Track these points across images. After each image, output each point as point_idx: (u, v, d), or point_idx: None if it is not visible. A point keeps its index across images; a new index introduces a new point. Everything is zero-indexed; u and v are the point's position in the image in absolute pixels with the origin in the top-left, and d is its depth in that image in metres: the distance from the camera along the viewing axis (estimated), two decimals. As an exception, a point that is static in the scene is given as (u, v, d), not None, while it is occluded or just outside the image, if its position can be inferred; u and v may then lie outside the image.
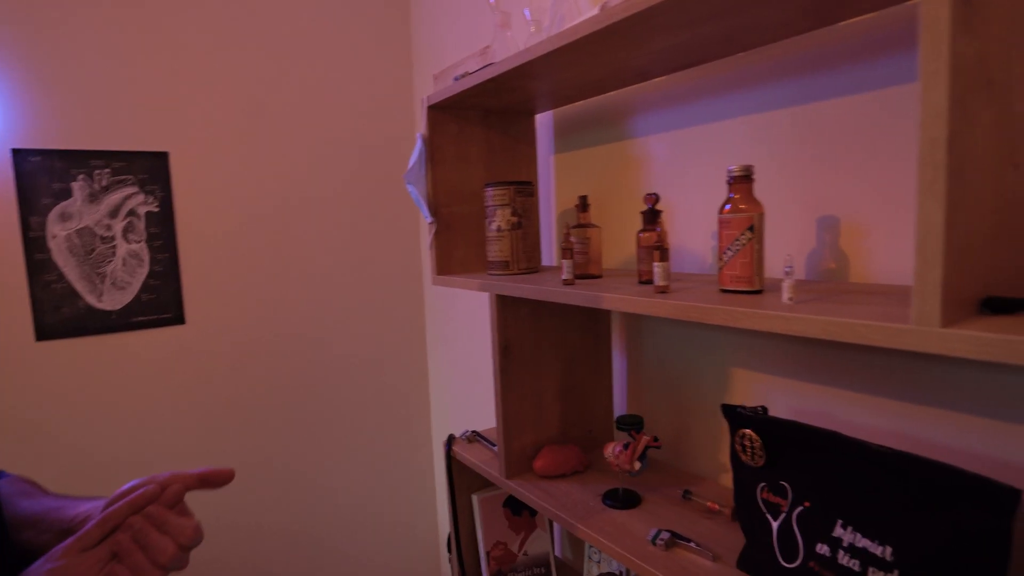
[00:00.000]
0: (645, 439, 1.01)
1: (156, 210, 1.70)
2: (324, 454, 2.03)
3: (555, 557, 1.45)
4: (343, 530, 2.08)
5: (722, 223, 0.79)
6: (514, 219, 1.18)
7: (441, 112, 1.28)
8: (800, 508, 0.78)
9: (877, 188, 0.85)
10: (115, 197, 1.64)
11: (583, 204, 1.13)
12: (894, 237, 0.84)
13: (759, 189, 1.00)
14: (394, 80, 2.07)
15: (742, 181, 0.79)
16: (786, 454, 0.80)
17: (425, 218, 1.29)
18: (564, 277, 1.01)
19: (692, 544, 0.90)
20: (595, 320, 1.29)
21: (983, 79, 0.52)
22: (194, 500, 0.65)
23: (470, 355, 1.95)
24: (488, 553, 1.38)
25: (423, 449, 2.24)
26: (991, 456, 0.76)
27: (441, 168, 1.28)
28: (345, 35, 1.96)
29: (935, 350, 0.51)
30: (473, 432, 1.43)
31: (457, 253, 1.33)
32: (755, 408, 0.85)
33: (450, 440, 1.40)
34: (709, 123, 1.08)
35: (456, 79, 1.18)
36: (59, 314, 1.59)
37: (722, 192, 1.07)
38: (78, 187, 1.60)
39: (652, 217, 0.96)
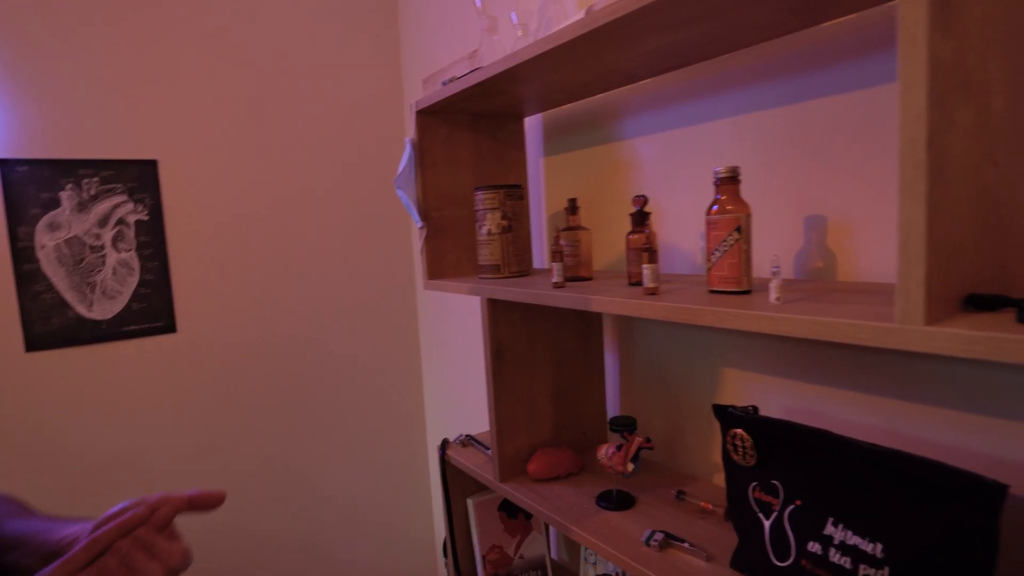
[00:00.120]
0: (638, 440, 1.02)
1: (146, 218, 1.69)
2: (319, 460, 2.02)
3: (551, 560, 1.45)
4: (339, 536, 2.07)
5: (709, 224, 0.80)
6: (504, 222, 1.18)
7: (430, 117, 1.28)
8: (792, 507, 0.78)
9: (863, 186, 0.86)
10: (104, 206, 1.64)
11: (572, 207, 1.14)
12: (880, 235, 0.84)
13: (747, 189, 1.01)
14: (383, 85, 2.07)
15: (729, 182, 0.79)
16: (777, 453, 0.80)
17: (416, 223, 1.29)
18: (554, 280, 1.01)
19: (686, 544, 0.90)
20: (587, 322, 1.29)
21: (961, 79, 0.52)
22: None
23: (464, 358, 1.95)
24: (484, 557, 1.38)
25: (418, 453, 2.23)
26: (979, 451, 0.77)
27: (431, 172, 1.29)
28: (334, 40, 1.96)
29: (919, 348, 0.52)
30: (467, 436, 1.42)
31: (449, 257, 1.33)
32: (746, 408, 0.85)
33: (444, 444, 1.40)
34: (697, 124, 1.08)
35: (444, 84, 1.18)
36: (49, 324, 1.58)
37: (711, 192, 1.08)
38: (67, 196, 1.59)
39: (641, 219, 0.96)
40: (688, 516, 1.00)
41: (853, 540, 0.71)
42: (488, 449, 1.35)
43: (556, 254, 1.02)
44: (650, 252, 0.84)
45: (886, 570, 0.67)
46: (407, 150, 1.26)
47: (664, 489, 1.11)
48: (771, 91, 0.96)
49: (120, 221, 1.66)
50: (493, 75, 1.01)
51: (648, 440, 1.02)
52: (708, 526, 0.96)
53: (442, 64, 1.87)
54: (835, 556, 0.72)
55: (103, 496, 1.68)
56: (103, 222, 1.64)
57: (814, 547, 0.75)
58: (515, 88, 1.11)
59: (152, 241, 1.70)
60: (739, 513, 0.85)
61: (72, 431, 1.63)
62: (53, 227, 1.58)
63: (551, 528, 1.53)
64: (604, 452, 1.04)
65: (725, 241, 0.78)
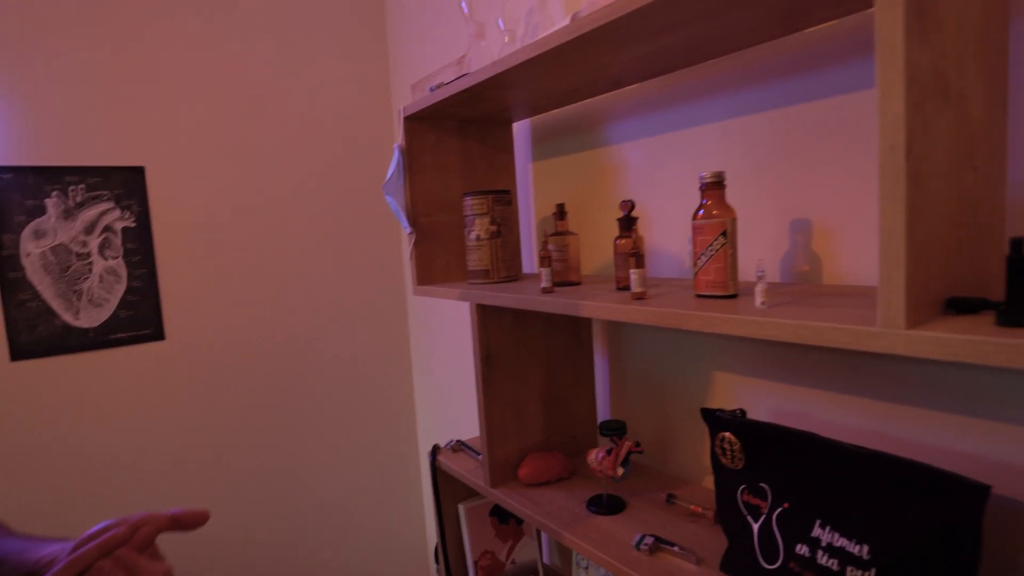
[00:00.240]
0: (627, 445, 1.02)
1: (133, 225, 1.68)
2: (310, 467, 2.01)
3: (543, 564, 1.45)
4: (330, 542, 2.06)
5: (695, 229, 0.80)
6: (493, 228, 1.18)
7: (418, 122, 1.28)
8: (780, 509, 0.79)
9: (847, 190, 0.86)
10: (90, 213, 1.63)
11: (560, 212, 1.14)
12: (864, 238, 0.85)
13: (733, 193, 1.01)
14: (372, 90, 2.07)
15: (714, 187, 0.80)
16: (765, 456, 0.81)
17: (404, 228, 1.29)
18: (543, 285, 1.01)
19: (676, 548, 0.90)
20: (576, 327, 1.29)
21: (939, 86, 0.53)
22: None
23: (454, 363, 1.95)
24: (476, 563, 1.37)
25: (409, 459, 2.23)
26: (963, 452, 0.77)
27: (420, 178, 1.29)
28: (322, 46, 1.96)
29: (901, 352, 0.52)
30: (458, 441, 1.42)
31: (438, 262, 1.33)
32: (734, 411, 0.86)
33: (435, 450, 1.40)
34: (683, 129, 1.09)
35: (432, 89, 1.19)
36: (35, 333, 1.57)
37: (697, 196, 1.08)
38: (52, 204, 1.58)
39: (628, 224, 0.97)
40: (678, 519, 1.00)
41: (840, 542, 0.71)
42: (479, 454, 1.34)
43: (544, 259, 1.02)
44: (637, 257, 0.85)
45: (872, 571, 0.67)
46: (395, 156, 1.26)
47: (654, 493, 1.11)
48: (756, 96, 0.96)
49: (107, 228, 1.65)
50: (480, 81, 1.02)
51: (637, 444, 1.02)
52: (698, 529, 0.97)
53: (430, 69, 1.87)
54: (822, 558, 0.73)
55: (91, 509, 1.66)
56: (89, 229, 1.63)
57: (802, 549, 0.75)
58: (503, 94, 1.11)
59: (139, 248, 1.69)
60: (728, 516, 0.86)
61: (59, 441, 1.61)
62: (39, 234, 1.57)
63: (542, 533, 1.53)
64: (594, 456, 1.05)
65: (711, 246, 0.79)
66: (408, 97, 2.02)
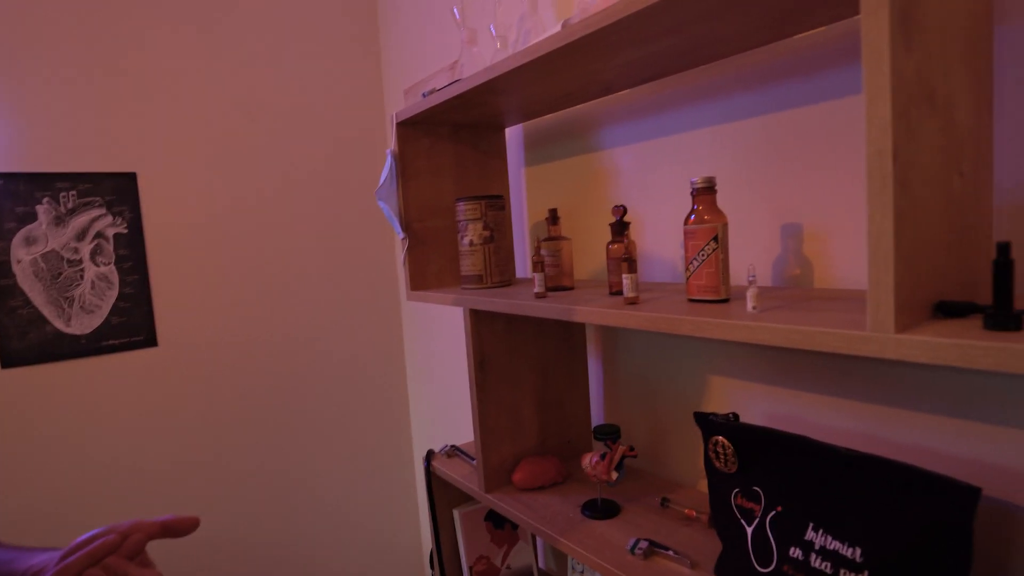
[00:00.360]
0: (621, 449, 1.02)
1: (125, 231, 1.67)
2: (304, 472, 2.00)
3: (539, 569, 1.45)
4: (325, 547, 2.05)
5: (687, 234, 0.81)
6: (486, 233, 1.18)
7: (411, 128, 1.28)
8: (773, 512, 0.79)
9: (838, 194, 0.87)
10: (82, 219, 1.62)
11: (553, 217, 1.14)
12: (855, 242, 0.86)
13: (724, 198, 1.02)
14: (364, 95, 2.07)
15: (705, 193, 0.80)
16: (758, 460, 0.81)
17: (397, 234, 1.29)
18: (536, 290, 1.01)
19: (670, 552, 0.90)
20: (570, 331, 1.29)
21: (925, 92, 0.53)
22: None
23: (448, 368, 1.94)
24: (471, 568, 1.37)
25: (404, 464, 2.22)
26: (953, 454, 0.78)
27: (413, 183, 1.29)
28: (314, 52, 1.96)
29: (890, 356, 0.53)
30: (452, 447, 1.42)
31: (431, 267, 1.33)
32: (727, 415, 0.86)
33: (429, 455, 1.40)
34: (674, 134, 1.10)
35: (425, 95, 1.19)
36: (26, 340, 1.56)
37: (690, 201, 1.09)
38: (43, 210, 1.57)
39: (620, 229, 0.97)
40: (672, 523, 1.01)
41: (833, 545, 0.72)
42: (473, 459, 1.34)
43: (537, 264, 1.02)
44: (630, 262, 0.85)
45: (865, 573, 0.68)
46: (388, 161, 1.26)
47: (649, 496, 1.11)
48: (746, 101, 0.97)
49: (98, 235, 1.64)
50: (473, 87, 1.02)
51: (632, 448, 1.02)
52: (692, 533, 0.97)
53: (422, 75, 1.88)
54: (816, 561, 0.73)
55: (84, 517, 1.65)
56: (81, 236, 1.62)
57: (795, 553, 0.75)
58: (495, 99, 1.12)
59: (131, 254, 1.68)
60: (722, 520, 0.86)
61: (50, 449, 1.60)
62: (29, 241, 1.56)
63: (537, 538, 1.52)
64: (588, 461, 1.05)
65: (703, 251, 0.79)
66: (401, 102, 2.02)
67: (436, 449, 2.04)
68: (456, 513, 1.38)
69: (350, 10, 2.03)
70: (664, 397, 1.18)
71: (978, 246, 0.63)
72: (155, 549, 1.75)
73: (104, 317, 1.65)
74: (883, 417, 0.85)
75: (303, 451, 2.00)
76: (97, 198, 1.63)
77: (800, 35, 0.88)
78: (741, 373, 1.03)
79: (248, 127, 1.85)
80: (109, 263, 1.66)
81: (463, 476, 1.28)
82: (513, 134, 1.49)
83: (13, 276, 1.54)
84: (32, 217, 1.56)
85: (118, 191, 1.66)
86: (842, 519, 0.71)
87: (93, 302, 1.64)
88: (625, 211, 0.98)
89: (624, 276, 0.85)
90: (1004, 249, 0.53)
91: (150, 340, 1.72)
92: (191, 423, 1.80)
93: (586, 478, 1.22)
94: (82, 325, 1.63)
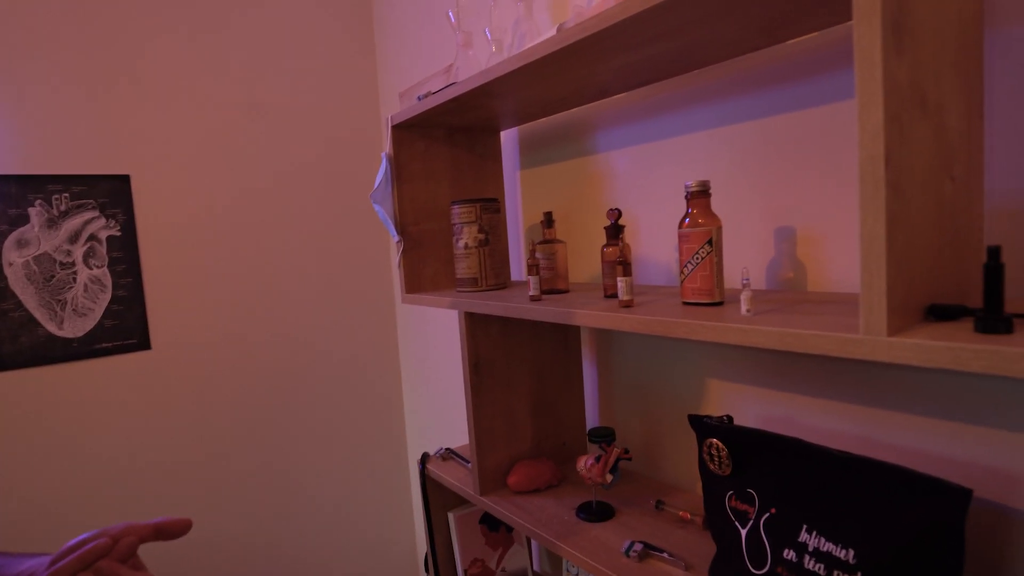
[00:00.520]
0: (616, 451, 1.02)
1: (118, 234, 1.67)
2: (298, 475, 1.99)
3: (533, 572, 1.45)
4: (320, 551, 2.04)
5: (681, 237, 0.81)
6: (481, 236, 1.19)
7: (406, 131, 1.28)
8: (767, 515, 0.79)
9: (831, 198, 0.88)
10: (75, 222, 1.61)
11: (548, 220, 1.15)
12: (848, 246, 0.86)
13: (719, 201, 1.02)
14: (360, 98, 2.07)
15: (699, 196, 0.81)
16: (752, 462, 0.81)
17: (393, 237, 1.29)
18: (531, 293, 1.01)
19: (665, 554, 0.90)
20: (565, 334, 1.30)
21: (916, 98, 0.54)
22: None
23: (442, 371, 1.94)
24: (466, 571, 1.37)
25: (399, 467, 2.22)
26: (945, 456, 0.78)
27: (408, 186, 1.29)
28: (309, 54, 1.96)
29: (882, 359, 0.53)
30: (447, 449, 1.42)
31: (427, 270, 1.33)
32: (721, 417, 0.86)
33: (424, 458, 1.40)
34: (669, 138, 1.10)
35: (420, 98, 1.19)
36: (17, 343, 1.55)
37: (684, 204, 1.09)
38: (36, 213, 1.56)
39: (615, 232, 0.98)
40: (667, 526, 1.01)
41: (827, 546, 0.72)
42: (468, 462, 1.34)
43: (532, 267, 1.02)
44: (624, 265, 0.85)
45: (858, 575, 0.68)
46: (383, 164, 1.26)
47: (643, 499, 1.11)
48: (741, 105, 0.98)
49: (91, 237, 1.63)
50: (468, 90, 1.02)
51: (626, 451, 1.02)
52: (687, 535, 0.97)
53: (418, 77, 1.88)
54: (810, 563, 0.73)
55: (76, 521, 1.64)
56: (74, 238, 1.61)
57: (789, 554, 0.76)
58: (490, 103, 1.12)
59: (125, 257, 1.68)
60: (716, 522, 0.86)
61: (43, 453, 1.59)
62: (22, 244, 1.55)
63: (532, 541, 1.52)
64: (583, 464, 1.05)
65: (697, 254, 0.79)
66: (396, 105, 2.02)
67: (431, 452, 2.04)
68: (451, 516, 1.38)
69: (345, 13, 2.03)
70: (659, 400, 1.18)
71: (969, 250, 0.64)
72: (148, 552, 1.74)
73: (97, 320, 1.65)
74: (876, 419, 0.85)
75: (297, 455, 1.99)
76: (90, 200, 1.63)
77: (792, 40, 0.89)
78: (735, 376, 1.04)
79: (243, 129, 1.85)
80: (102, 266, 1.65)
81: (458, 479, 1.28)
82: (508, 137, 1.49)
83: (5, 279, 1.53)
84: (24, 219, 1.55)
85: (111, 193, 1.65)
86: (835, 521, 0.72)
87: (86, 305, 1.63)
88: (620, 214, 0.98)
89: (619, 279, 0.85)
90: (995, 253, 0.53)
91: (143, 343, 1.71)
92: (184, 426, 1.79)
93: (581, 481, 1.22)
94: (75, 328, 1.62)
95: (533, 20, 1.06)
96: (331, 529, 2.07)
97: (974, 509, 0.76)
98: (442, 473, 1.33)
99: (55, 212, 1.59)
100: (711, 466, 0.86)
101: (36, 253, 1.57)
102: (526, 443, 1.25)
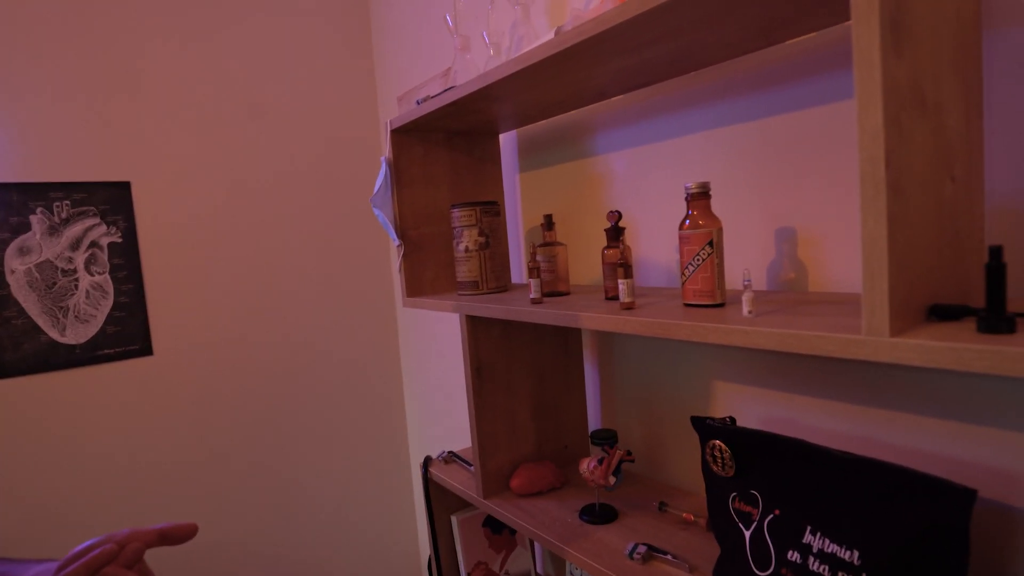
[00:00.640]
0: (619, 453, 1.02)
1: (119, 240, 1.67)
2: (301, 479, 1.99)
3: (537, 574, 1.44)
4: (323, 555, 2.04)
5: (682, 239, 0.81)
6: (481, 239, 1.19)
7: (405, 135, 1.28)
8: (771, 516, 0.79)
9: (832, 198, 0.88)
10: (76, 229, 1.61)
11: (548, 223, 1.15)
12: (849, 246, 0.86)
13: (719, 202, 1.02)
14: (358, 102, 2.07)
15: (700, 198, 0.81)
16: (755, 463, 0.81)
17: (393, 241, 1.29)
18: (532, 296, 1.01)
19: (668, 556, 0.90)
20: (566, 336, 1.29)
21: (916, 98, 0.54)
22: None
23: (445, 374, 1.94)
24: (469, 574, 1.37)
25: (401, 471, 2.22)
26: (950, 456, 0.78)
27: (408, 190, 1.29)
28: (307, 59, 1.96)
29: (885, 359, 0.53)
30: (450, 453, 1.42)
31: (427, 274, 1.33)
32: (723, 419, 0.86)
33: (427, 462, 1.39)
34: (669, 139, 1.10)
35: (418, 102, 1.19)
36: (20, 351, 1.55)
37: (684, 205, 1.09)
38: (37, 220, 1.56)
39: (615, 234, 0.97)
40: (671, 528, 1.01)
41: (831, 547, 0.72)
42: (471, 466, 1.34)
43: (533, 270, 1.02)
44: (625, 267, 0.85)
45: (863, 577, 0.68)
46: (383, 169, 1.26)
47: (646, 501, 1.11)
48: (740, 106, 0.98)
49: (93, 244, 1.64)
50: (466, 94, 1.02)
51: (629, 453, 1.02)
52: (690, 537, 0.97)
53: (416, 81, 1.88)
54: (814, 564, 0.73)
55: (80, 527, 1.64)
56: (75, 245, 1.61)
57: (793, 556, 0.75)
58: (489, 106, 1.12)
59: (126, 263, 1.68)
60: (720, 523, 0.86)
61: (46, 460, 1.59)
62: (23, 252, 1.55)
63: (536, 543, 1.52)
64: (586, 466, 1.05)
65: (698, 255, 0.79)
66: (394, 108, 2.02)
67: (433, 455, 2.04)
68: (454, 519, 1.38)
69: (343, 18, 2.03)
70: (661, 401, 1.18)
71: (971, 250, 0.64)
72: (152, 557, 1.74)
73: (99, 326, 1.65)
74: (879, 420, 0.85)
75: (300, 459, 1.99)
76: (91, 207, 1.63)
77: (791, 41, 0.89)
78: (738, 377, 1.04)
79: (242, 135, 1.85)
80: (104, 272, 1.65)
81: (461, 482, 1.28)
82: (507, 140, 1.49)
83: (7, 287, 1.53)
84: (26, 227, 1.55)
85: (112, 200, 1.66)
86: (839, 522, 0.71)
87: (88, 311, 1.63)
88: (620, 216, 0.98)
89: (620, 281, 0.85)
90: (996, 253, 0.53)
91: (146, 349, 1.71)
92: (187, 432, 1.79)
93: (584, 483, 1.22)
94: (77, 335, 1.62)
95: (530, 23, 1.06)
96: (334, 533, 2.06)
97: (978, 509, 0.76)
98: (445, 476, 1.33)
99: (56, 219, 1.59)
100: (714, 468, 0.86)
101: (38, 260, 1.57)
102: (528, 446, 1.25)
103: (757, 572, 0.80)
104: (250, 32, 1.86)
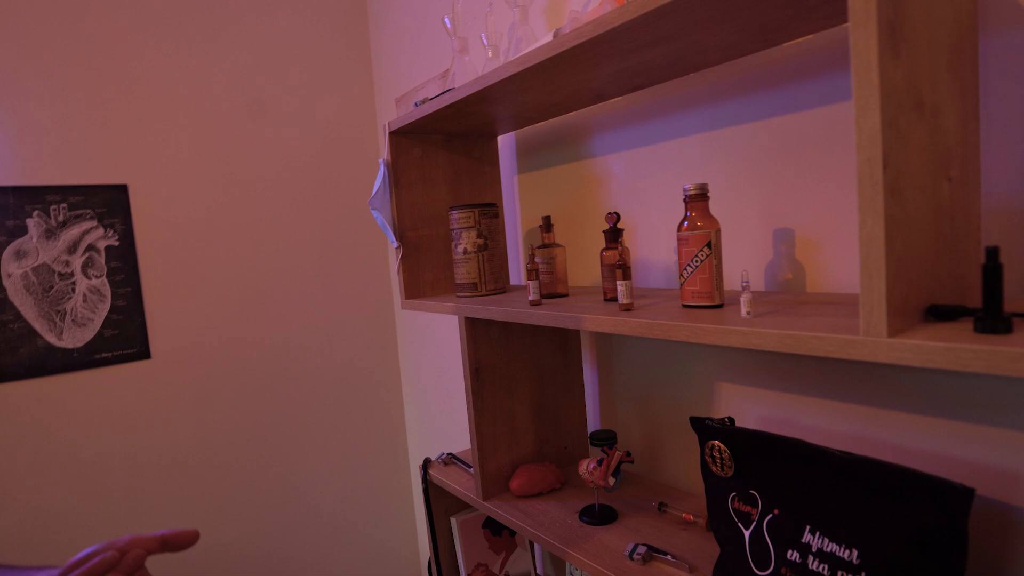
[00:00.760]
0: (618, 454, 1.02)
1: (116, 244, 1.67)
2: (300, 482, 1.99)
3: (537, 575, 1.45)
4: (323, 557, 2.04)
5: (680, 240, 0.81)
6: (480, 241, 1.19)
7: (404, 137, 1.28)
8: (770, 516, 0.79)
9: (829, 199, 0.88)
10: (73, 232, 1.61)
11: (547, 224, 1.15)
12: (846, 246, 0.87)
13: (717, 203, 1.03)
14: (357, 104, 2.07)
15: (698, 199, 0.81)
16: (754, 463, 0.82)
17: (391, 243, 1.30)
18: (531, 298, 1.02)
19: (668, 557, 0.90)
20: (565, 338, 1.30)
21: (913, 100, 0.54)
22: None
23: (443, 376, 1.94)
24: (469, 576, 1.37)
25: (401, 473, 2.22)
26: (948, 455, 0.79)
27: (407, 192, 1.29)
28: (305, 62, 1.96)
29: (883, 359, 0.53)
30: (449, 454, 1.42)
31: (426, 276, 1.33)
32: (722, 419, 0.86)
33: (426, 464, 1.40)
34: (667, 141, 1.10)
35: (417, 104, 1.19)
36: (17, 355, 1.55)
37: (682, 207, 1.10)
38: (34, 223, 1.56)
39: (614, 236, 0.98)
40: (670, 528, 1.01)
41: (830, 547, 0.72)
42: (470, 467, 1.34)
43: (532, 272, 1.02)
44: (623, 268, 0.86)
45: (862, 575, 0.68)
46: (381, 171, 1.26)
47: (646, 501, 1.11)
48: (738, 108, 0.98)
49: (90, 247, 1.63)
50: (465, 96, 1.02)
51: (628, 454, 1.02)
52: (690, 537, 0.97)
53: (414, 83, 1.88)
54: (813, 563, 0.73)
55: (78, 533, 1.63)
56: (72, 249, 1.61)
57: (793, 555, 0.76)
58: (487, 108, 1.12)
59: (123, 267, 1.68)
60: (720, 523, 0.86)
61: (44, 465, 1.59)
62: (20, 255, 1.55)
63: (535, 545, 1.52)
64: (585, 467, 1.05)
65: (696, 257, 0.80)
66: (392, 110, 2.02)
67: (432, 457, 2.04)
68: (454, 521, 1.38)
69: (341, 20, 2.03)
70: (660, 402, 1.19)
71: (968, 250, 0.64)
72: (150, 560, 1.74)
73: (96, 330, 1.64)
74: (877, 420, 0.85)
75: (299, 461, 1.99)
76: (88, 210, 1.63)
77: (789, 43, 0.89)
78: (736, 377, 1.04)
79: (240, 137, 1.85)
80: (101, 276, 1.65)
81: (460, 484, 1.28)
82: (505, 142, 1.49)
83: (4, 291, 1.53)
84: (23, 231, 1.55)
85: (109, 203, 1.65)
86: (838, 521, 0.72)
87: (85, 315, 1.63)
88: (618, 218, 0.98)
89: (618, 282, 0.85)
90: (993, 253, 0.53)
91: (143, 352, 1.71)
92: (186, 435, 1.79)
93: (583, 484, 1.22)
94: (74, 338, 1.62)
95: (529, 25, 1.07)
96: (333, 536, 2.06)
97: (976, 508, 0.77)
98: (444, 478, 1.33)
99: (53, 223, 1.58)
100: (713, 468, 0.86)
101: (35, 264, 1.56)
102: (528, 447, 1.25)
103: (757, 572, 0.80)
104: (247, 34, 1.86)
